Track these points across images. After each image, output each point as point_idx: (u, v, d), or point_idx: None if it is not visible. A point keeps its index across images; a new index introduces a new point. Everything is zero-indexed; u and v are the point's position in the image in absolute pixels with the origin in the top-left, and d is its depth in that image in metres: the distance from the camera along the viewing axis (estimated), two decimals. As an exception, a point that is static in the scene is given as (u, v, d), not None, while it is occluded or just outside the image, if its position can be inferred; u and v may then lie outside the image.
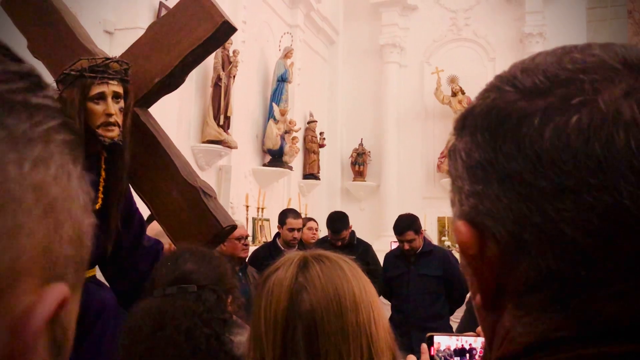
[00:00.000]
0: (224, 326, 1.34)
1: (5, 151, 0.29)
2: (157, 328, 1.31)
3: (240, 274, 3.52)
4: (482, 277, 0.47)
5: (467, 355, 1.51)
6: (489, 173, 0.45)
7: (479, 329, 1.55)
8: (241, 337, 1.28)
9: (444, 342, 1.56)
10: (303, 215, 5.29)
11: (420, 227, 4.23)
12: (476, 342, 1.54)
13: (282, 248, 4.42)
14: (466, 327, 1.98)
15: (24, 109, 0.31)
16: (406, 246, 4.15)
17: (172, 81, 2.24)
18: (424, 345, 1.53)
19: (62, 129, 0.34)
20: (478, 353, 1.49)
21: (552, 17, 8.48)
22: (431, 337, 1.55)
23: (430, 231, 7.30)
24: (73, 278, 0.34)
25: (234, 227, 2.27)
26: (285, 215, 4.53)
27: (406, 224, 4.14)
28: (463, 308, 4.01)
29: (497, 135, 0.45)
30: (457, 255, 5.52)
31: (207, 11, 2.16)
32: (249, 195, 6.49)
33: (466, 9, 9.11)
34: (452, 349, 1.54)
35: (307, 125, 8.38)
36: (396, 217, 4.34)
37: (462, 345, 1.56)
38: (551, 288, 0.43)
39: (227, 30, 2.19)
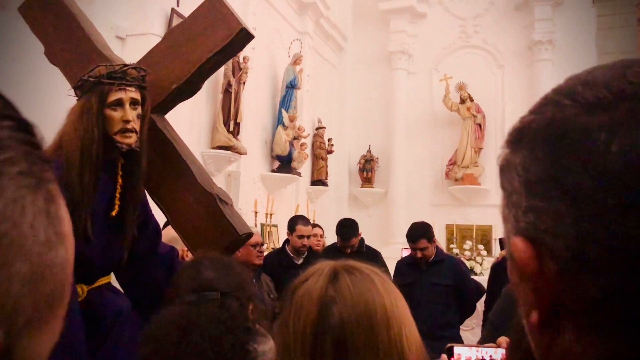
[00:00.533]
0: (248, 334, 1.33)
1: None
2: (183, 336, 1.29)
3: (254, 281, 3.49)
4: (540, 295, 0.46)
5: (489, 366, 1.49)
6: (549, 189, 0.44)
7: (500, 339, 1.53)
8: (264, 347, 1.27)
9: (464, 353, 1.54)
10: (311, 222, 5.26)
11: (433, 235, 4.21)
12: (496, 353, 1.53)
13: (291, 255, 4.39)
14: (487, 339, 1.97)
15: None
16: (419, 254, 4.13)
17: (189, 88, 2.24)
18: (444, 357, 1.51)
19: (21, 160, 0.32)
20: (499, 364, 1.47)
21: (561, 24, 8.46)
22: (451, 348, 1.53)
23: (438, 239, 7.26)
24: (38, 315, 0.33)
25: (250, 234, 2.26)
26: (295, 221, 4.48)
27: (420, 232, 4.12)
28: (474, 317, 3.98)
29: (559, 150, 0.44)
30: (467, 263, 5.49)
31: (225, 18, 2.16)
32: (257, 201, 6.49)
33: (475, 17, 9.11)
34: (472, 360, 1.53)
35: (316, 132, 8.38)
36: (404, 224, 4.33)
37: (482, 356, 1.54)
38: (615, 308, 0.42)
39: (244, 37, 2.18)
